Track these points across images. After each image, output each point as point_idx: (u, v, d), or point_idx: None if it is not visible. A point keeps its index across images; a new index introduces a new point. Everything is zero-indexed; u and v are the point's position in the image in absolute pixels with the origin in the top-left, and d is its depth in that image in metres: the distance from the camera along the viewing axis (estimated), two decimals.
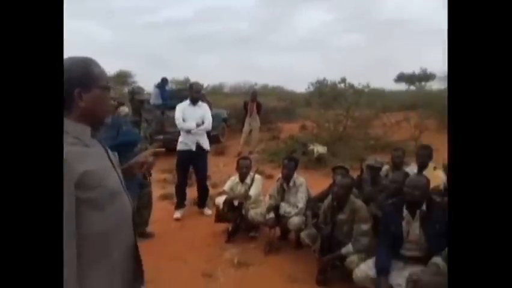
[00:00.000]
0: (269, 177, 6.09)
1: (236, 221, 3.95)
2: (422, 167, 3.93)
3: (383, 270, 2.60)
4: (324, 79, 12.42)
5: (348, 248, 2.95)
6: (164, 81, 10.51)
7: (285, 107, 16.55)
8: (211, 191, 5.10)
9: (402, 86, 25.99)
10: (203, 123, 4.63)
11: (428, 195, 2.66)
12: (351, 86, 10.54)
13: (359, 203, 3.11)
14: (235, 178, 4.20)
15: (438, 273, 2.26)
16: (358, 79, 11.43)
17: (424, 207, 2.60)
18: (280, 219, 3.72)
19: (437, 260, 2.31)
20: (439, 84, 15.30)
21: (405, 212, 2.66)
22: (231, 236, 3.95)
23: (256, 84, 22.74)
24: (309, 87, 12.88)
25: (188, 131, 4.56)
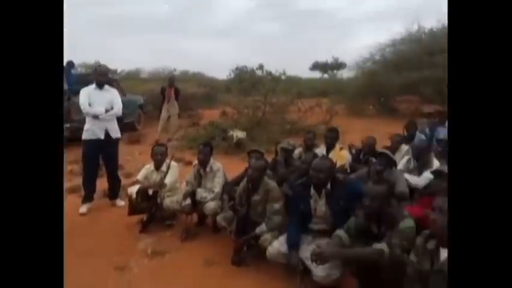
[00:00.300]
0: (188, 163, 6.00)
1: (151, 210, 3.80)
2: (329, 148, 4.24)
3: (293, 245, 2.75)
4: (244, 66, 12.56)
5: (262, 227, 3.05)
6: (70, 64, 9.50)
7: (206, 93, 16.42)
8: (125, 181, 4.83)
9: (317, 74, 27.66)
10: (112, 108, 4.32)
11: (332, 175, 2.86)
12: (269, 73, 10.87)
13: (272, 183, 3.23)
14: (150, 166, 4.03)
15: (340, 244, 2.46)
16: (276, 66, 11.87)
17: (329, 186, 2.81)
18: (197, 205, 3.68)
19: (340, 232, 2.51)
20: (349, 73, 16.60)
21: (312, 191, 2.84)
22: (146, 226, 3.79)
23: (175, 69, 21.99)
24: (230, 74, 12.94)
25: (96, 117, 4.20)
